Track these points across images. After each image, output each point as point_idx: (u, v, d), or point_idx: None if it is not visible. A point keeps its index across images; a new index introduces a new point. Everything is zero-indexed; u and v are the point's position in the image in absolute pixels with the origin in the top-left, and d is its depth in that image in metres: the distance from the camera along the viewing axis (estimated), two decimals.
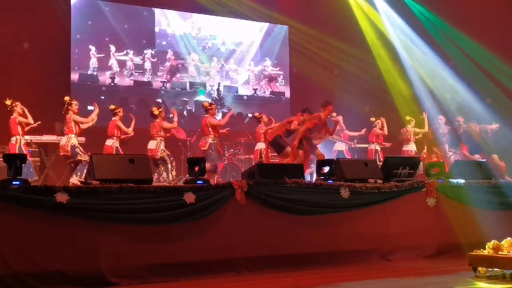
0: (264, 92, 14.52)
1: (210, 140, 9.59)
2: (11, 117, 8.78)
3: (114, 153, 9.05)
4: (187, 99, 13.53)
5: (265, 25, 14.59)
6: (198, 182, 5.38)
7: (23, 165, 8.17)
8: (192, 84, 13.65)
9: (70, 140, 8.71)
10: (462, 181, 6.68)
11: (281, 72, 14.69)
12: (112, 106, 9.64)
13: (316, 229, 5.78)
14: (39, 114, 9.34)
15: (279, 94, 14.65)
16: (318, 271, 5.47)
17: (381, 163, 7.12)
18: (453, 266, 5.54)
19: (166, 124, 9.68)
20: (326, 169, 6.23)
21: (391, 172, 6.47)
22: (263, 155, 10.37)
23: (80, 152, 8.64)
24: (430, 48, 12.57)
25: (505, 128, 10.61)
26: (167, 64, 13.40)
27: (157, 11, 13.46)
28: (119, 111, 9.48)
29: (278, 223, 5.59)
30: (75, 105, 8.96)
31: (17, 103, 8.81)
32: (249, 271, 5.35)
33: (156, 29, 13.41)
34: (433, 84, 12.39)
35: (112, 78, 12.69)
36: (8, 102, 8.79)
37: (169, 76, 13.38)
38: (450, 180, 6.68)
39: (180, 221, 5.12)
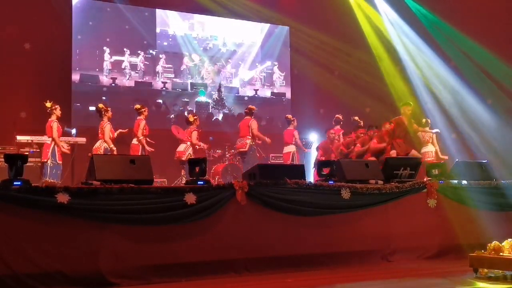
0: (265, 93, 14.52)
1: (249, 142, 9.82)
2: (49, 119, 8.83)
3: (140, 151, 9.24)
4: (187, 100, 13.52)
5: (266, 26, 14.57)
6: (199, 182, 5.37)
7: (50, 166, 8.48)
8: (193, 85, 13.64)
9: (103, 144, 8.91)
10: (463, 182, 6.68)
11: (282, 73, 14.68)
12: (138, 106, 9.75)
13: (317, 230, 5.78)
14: (40, 115, 9.35)
15: (280, 95, 14.63)
16: (318, 272, 5.47)
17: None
18: (454, 267, 5.55)
19: (194, 136, 9.88)
20: (327, 170, 6.23)
21: (392, 173, 6.47)
22: (295, 158, 10.35)
23: None
24: (431, 48, 12.54)
25: None
26: (184, 67, 13.44)
27: (158, 12, 13.46)
28: (144, 110, 9.58)
29: (279, 223, 5.60)
30: (109, 111, 9.16)
31: (56, 106, 8.90)
32: (250, 272, 5.36)
33: (157, 30, 13.41)
34: (433, 85, 12.36)
35: (113, 78, 12.68)
36: (48, 104, 8.85)
37: (171, 76, 13.38)
38: (451, 181, 6.68)
39: (181, 221, 5.12)
